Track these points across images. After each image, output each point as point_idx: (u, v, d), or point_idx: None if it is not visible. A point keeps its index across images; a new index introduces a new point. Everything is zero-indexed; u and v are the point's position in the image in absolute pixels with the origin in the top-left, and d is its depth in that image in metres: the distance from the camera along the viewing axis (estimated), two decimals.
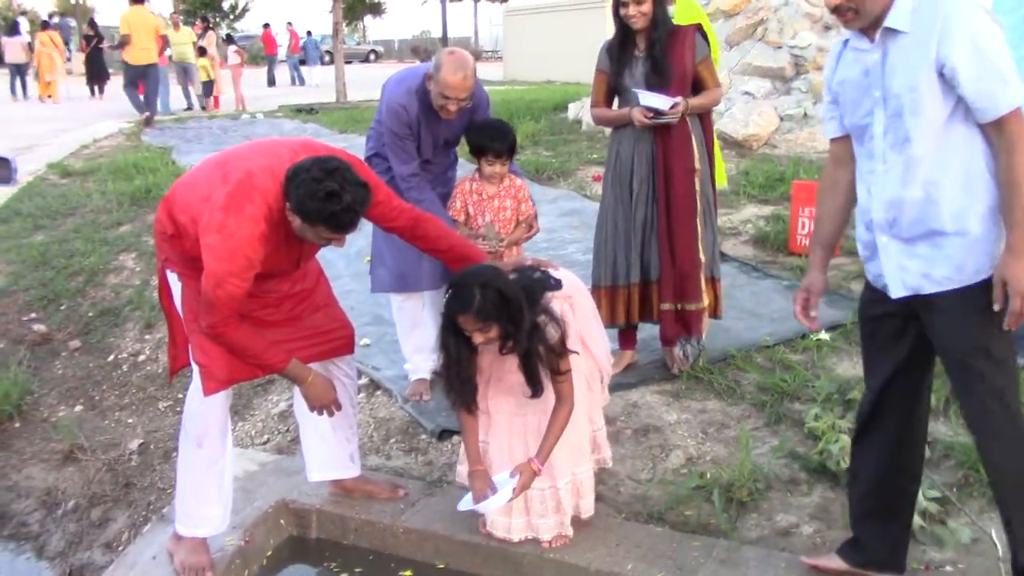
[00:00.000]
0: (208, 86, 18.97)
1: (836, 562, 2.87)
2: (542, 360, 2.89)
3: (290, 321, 3.14)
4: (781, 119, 9.87)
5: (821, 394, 4.03)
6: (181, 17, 22.18)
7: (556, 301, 2.98)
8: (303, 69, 28.58)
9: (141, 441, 4.54)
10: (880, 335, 2.70)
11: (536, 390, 2.93)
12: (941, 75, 2.34)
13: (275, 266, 2.93)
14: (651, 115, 4.05)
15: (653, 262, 4.25)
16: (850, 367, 4.41)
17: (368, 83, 16.24)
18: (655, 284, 4.26)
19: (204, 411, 3.02)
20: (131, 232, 7.61)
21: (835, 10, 2.44)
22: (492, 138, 3.91)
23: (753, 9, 10.91)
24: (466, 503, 3.09)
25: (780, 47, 10.36)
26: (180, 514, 3.12)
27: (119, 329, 5.75)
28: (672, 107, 4.01)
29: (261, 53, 32.50)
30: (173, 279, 3.08)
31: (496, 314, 2.75)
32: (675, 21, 5.85)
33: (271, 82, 26.88)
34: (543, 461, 2.97)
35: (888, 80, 2.45)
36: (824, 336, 4.73)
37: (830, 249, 2.90)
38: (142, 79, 15.61)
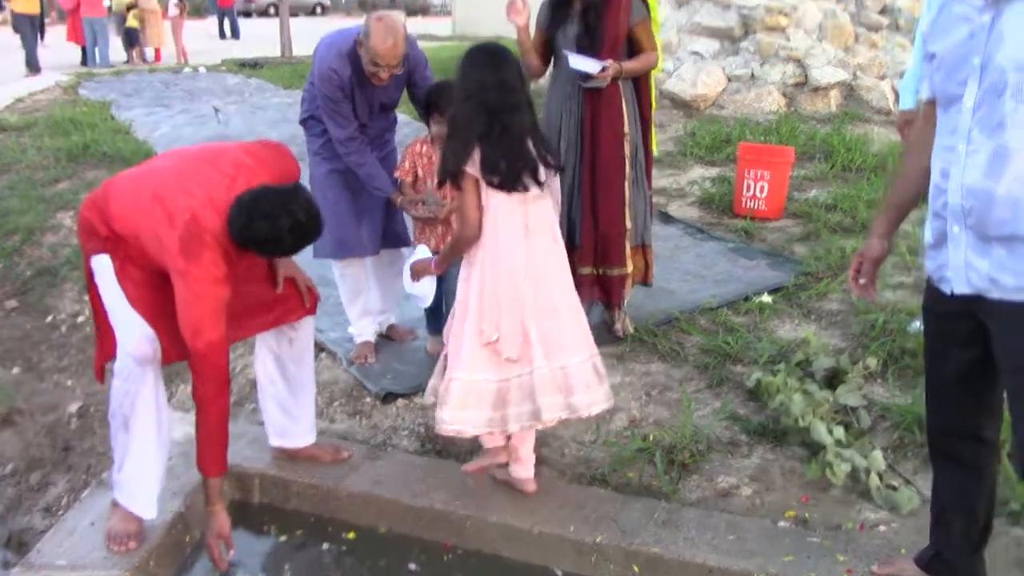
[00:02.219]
0: (133, 35, 18.53)
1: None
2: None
3: (249, 291, 3.11)
4: (729, 80, 9.89)
5: (763, 356, 4.09)
6: None
7: None
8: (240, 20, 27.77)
9: (80, 404, 4.48)
10: (945, 336, 2.44)
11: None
12: None
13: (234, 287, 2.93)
14: (582, 78, 4.03)
15: (576, 226, 4.23)
16: (791, 329, 4.47)
17: (314, 37, 16.12)
18: (577, 248, 4.22)
19: (128, 389, 2.94)
20: (69, 189, 7.42)
21: None
22: (440, 95, 3.79)
23: None
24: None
25: (729, 7, 10.35)
26: (116, 482, 3.08)
27: (57, 290, 5.63)
28: (601, 71, 3.97)
29: (204, 3, 31.67)
30: (102, 264, 2.95)
31: None
32: None
33: (226, 35, 26.07)
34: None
35: (992, 48, 2.09)
36: (766, 299, 4.78)
37: (901, 213, 2.61)
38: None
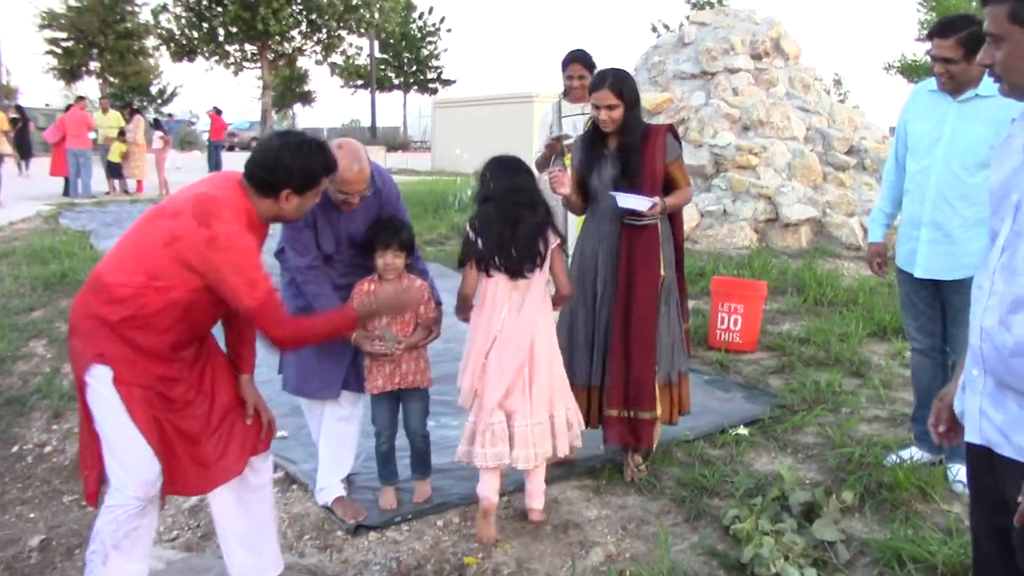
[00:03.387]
0: (116, 168, 18.82)
1: None
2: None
3: (218, 429, 3.04)
4: (702, 215, 10.12)
5: (740, 490, 4.05)
6: (109, 101, 22.08)
7: None
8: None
9: (43, 537, 4.33)
10: (975, 477, 2.26)
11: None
12: None
13: (197, 324, 2.90)
14: (632, 216, 4.07)
15: (607, 366, 4.20)
16: (768, 462, 4.45)
17: None
18: (605, 389, 4.21)
19: (118, 529, 2.84)
20: (43, 318, 7.39)
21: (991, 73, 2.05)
22: (382, 228, 3.77)
23: (675, 108, 11.26)
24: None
25: (701, 145, 10.68)
26: None
27: (25, 419, 5.53)
28: (651, 208, 4.01)
29: (188, 137, 32.39)
30: (100, 378, 2.79)
31: None
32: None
33: (215, 167, 26.50)
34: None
35: None
36: (742, 431, 4.78)
37: None
38: None
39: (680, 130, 10.97)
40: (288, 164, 2.83)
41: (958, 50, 3.78)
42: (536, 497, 3.87)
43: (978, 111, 3.82)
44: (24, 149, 22.59)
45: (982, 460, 2.12)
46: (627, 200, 4.01)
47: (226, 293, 2.78)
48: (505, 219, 3.61)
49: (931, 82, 4.09)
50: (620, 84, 4.11)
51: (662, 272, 4.19)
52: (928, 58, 3.98)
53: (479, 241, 3.66)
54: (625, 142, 4.16)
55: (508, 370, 3.63)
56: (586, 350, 4.26)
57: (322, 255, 3.79)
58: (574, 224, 6.04)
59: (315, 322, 3.14)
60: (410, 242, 3.86)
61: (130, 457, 2.81)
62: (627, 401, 4.19)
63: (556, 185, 4.06)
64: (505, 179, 3.67)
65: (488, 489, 3.70)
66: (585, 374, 4.25)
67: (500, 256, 3.62)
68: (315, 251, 3.76)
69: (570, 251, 6.08)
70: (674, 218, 4.37)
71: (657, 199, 4.04)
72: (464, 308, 3.79)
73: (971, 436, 2.11)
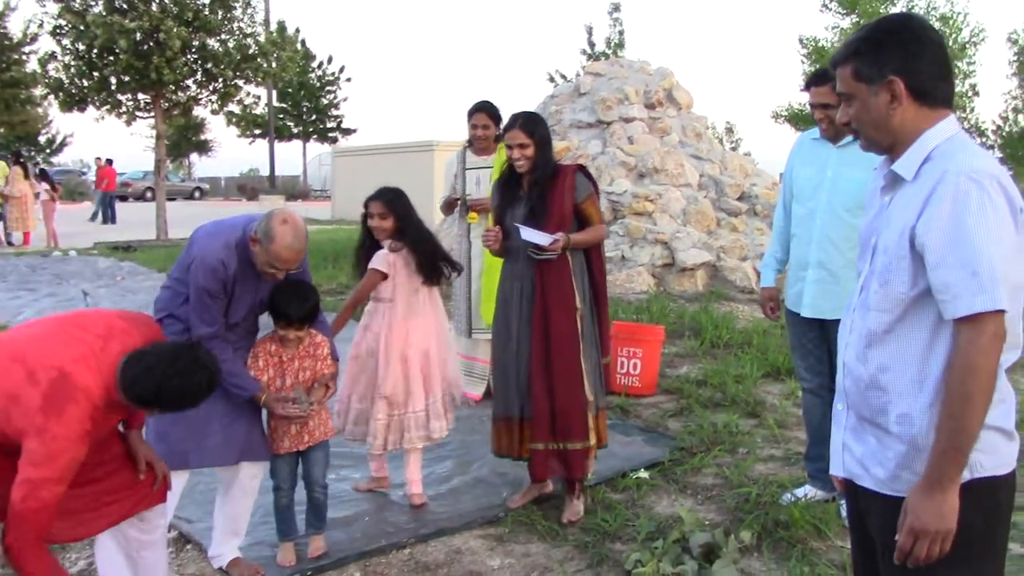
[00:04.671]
0: None
1: None
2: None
3: (95, 480, 2.93)
4: None
5: (642, 533, 4.08)
6: None
7: None
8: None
9: None
10: (850, 507, 2.34)
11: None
12: (913, 246, 1.98)
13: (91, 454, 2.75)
14: (534, 249, 4.17)
15: (527, 400, 4.27)
16: (668, 505, 4.49)
17: (192, 220, 16.11)
18: (527, 422, 4.27)
19: None
20: None
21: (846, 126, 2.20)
22: (292, 300, 3.66)
23: (572, 157, 11.45)
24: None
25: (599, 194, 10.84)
26: None
27: None
28: (552, 243, 4.11)
29: (80, 188, 31.50)
30: None
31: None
32: (497, 168, 6.10)
33: (110, 218, 25.69)
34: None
35: (883, 231, 2.09)
36: (643, 474, 4.81)
37: None
38: None
39: None
40: (171, 394, 2.70)
41: (834, 96, 3.95)
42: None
43: (856, 156, 3.98)
44: None
45: (851, 491, 2.23)
46: (529, 234, 4.13)
47: (21, 461, 2.59)
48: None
49: (814, 131, 4.29)
50: (531, 125, 4.24)
51: (577, 304, 4.25)
52: (808, 107, 4.16)
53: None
54: (534, 180, 4.27)
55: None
56: (505, 383, 4.34)
57: (224, 323, 3.58)
58: (479, 263, 6.10)
59: (45, 559, 2.68)
60: (314, 314, 3.77)
61: None
62: (555, 433, 4.24)
63: (491, 244, 4.29)
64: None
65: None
66: (506, 407, 4.33)
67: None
68: (222, 321, 3.55)
69: (472, 287, 6.13)
70: (591, 253, 4.42)
71: (560, 235, 4.13)
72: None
73: (835, 469, 2.22)
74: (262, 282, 3.59)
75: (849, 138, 4.09)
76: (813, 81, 4.17)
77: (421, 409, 4.43)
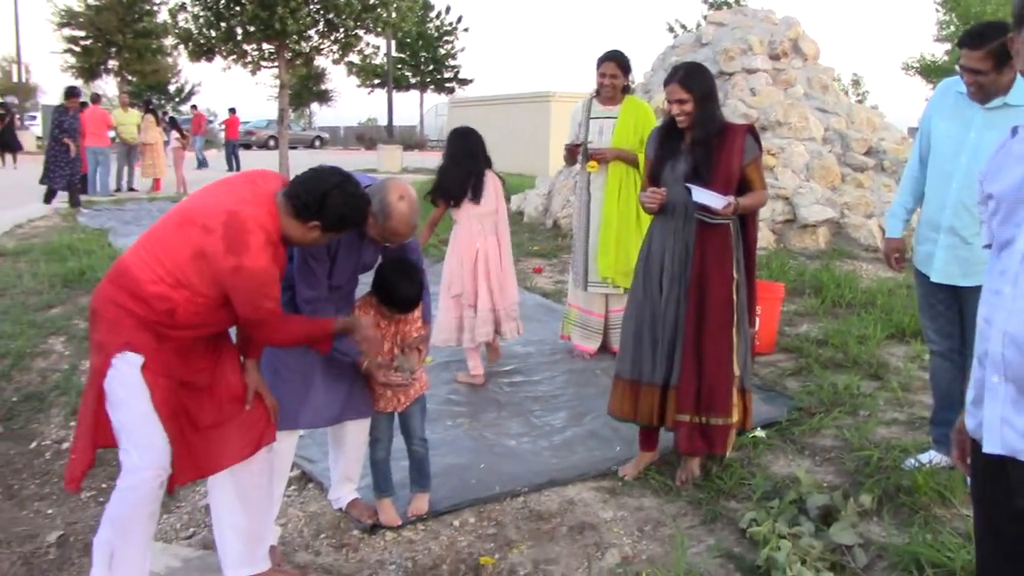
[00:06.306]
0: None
1: None
2: None
3: (216, 425, 3.09)
4: None
5: (757, 492, 4.03)
6: (128, 98, 22.17)
7: None
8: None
9: (60, 533, 4.35)
10: (984, 489, 2.15)
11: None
12: None
13: (220, 322, 3.02)
14: (704, 212, 3.98)
15: (676, 367, 4.10)
16: (785, 465, 4.43)
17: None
18: (673, 390, 4.12)
19: (131, 513, 2.87)
20: (62, 315, 7.43)
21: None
22: (395, 288, 3.63)
23: None
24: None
25: None
26: None
27: (44, 415, 5.56)
28: (725, 206, 3.92)
29: (207, 136, 32.51)
30: (127, 363, 2.83)
31: None
32: (621, 119, 6.02)
33: (235, 166, 26.51)
34: None
35: None
36: (760, 433, 4.75)
37: None
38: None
39: None
40: (334, 203, 2.94)
41: (987, 61, 3.70)
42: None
43: (1005, 120, 3.72)
44: (11, 145, 23.39)
45: (993, 471, 2.04)
46: (702, 195, 3.92)
47: (235, 304, 2.91)
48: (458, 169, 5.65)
49: (959, 81, 4.01)
50: (690, 79, 4.03)
51: (735, 275, 4.10)
52: (957, 67, 3.90)
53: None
54: (697, 136, 4.08)
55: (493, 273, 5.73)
56: (651, 348, 4.17)
57: (328, 286, 3.58)
58: (598, 215, 6.06)
59: (294, 327, 3.21)
60: (417, 301, 3.74)
61: (147, 442, 2.87)
62: (699, 406, 4.10)
63: (652, 207, 4.10)
64: (459, 146, 5.68)
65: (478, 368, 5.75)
66: (651, 372, 4.18)
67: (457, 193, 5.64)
68: (325, 284, 3.54)
69: (591, 240, 6.09)
70: (747, 220, 4.23)
71: (732, 198, 3.95)
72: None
73: (991, 447, 2.00)
74: (365, 245, 3.60)
75: (999, 100, 3.81)
76: (965, 43, 3.78)
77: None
